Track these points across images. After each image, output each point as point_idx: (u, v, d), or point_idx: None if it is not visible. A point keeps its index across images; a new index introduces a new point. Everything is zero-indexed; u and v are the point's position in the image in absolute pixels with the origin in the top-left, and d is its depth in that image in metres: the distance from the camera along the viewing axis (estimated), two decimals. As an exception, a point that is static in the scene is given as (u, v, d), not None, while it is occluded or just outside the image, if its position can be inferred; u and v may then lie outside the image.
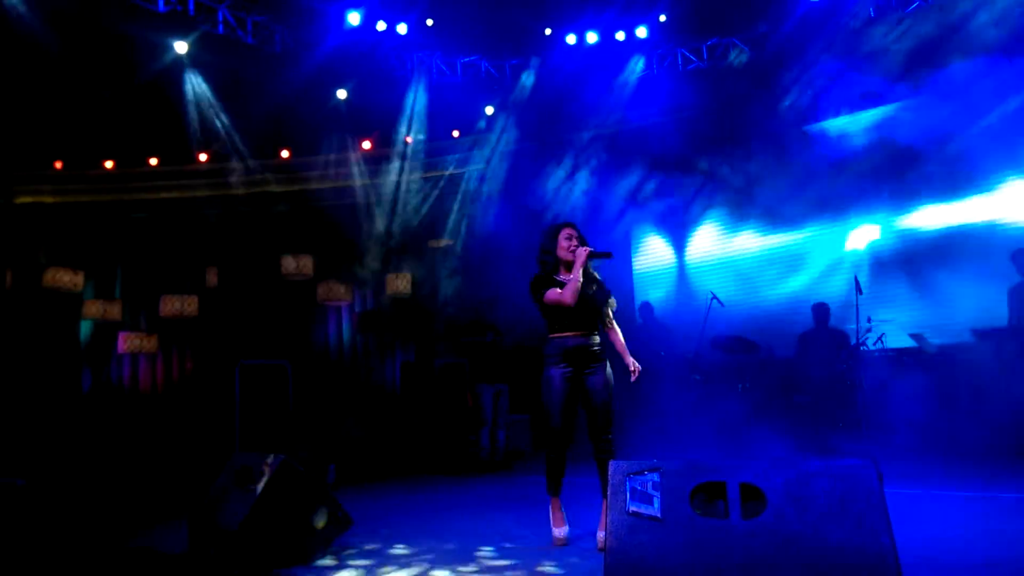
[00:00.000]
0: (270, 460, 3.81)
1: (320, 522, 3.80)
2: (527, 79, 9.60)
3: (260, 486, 3.69)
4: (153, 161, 9.48)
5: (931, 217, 7.80)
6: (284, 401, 7.14)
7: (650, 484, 2.91)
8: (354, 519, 4.10)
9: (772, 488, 2.67)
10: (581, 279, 3.91)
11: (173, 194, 9.56)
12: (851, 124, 8.19)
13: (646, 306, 8.88)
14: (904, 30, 7.72)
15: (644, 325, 8.78)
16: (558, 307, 3.93)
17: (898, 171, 7.74)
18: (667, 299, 9.49)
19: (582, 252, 3.94)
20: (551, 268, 4.08)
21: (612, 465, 2.96)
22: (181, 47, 8.18)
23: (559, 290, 3.93)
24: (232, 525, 3.65)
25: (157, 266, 9.62)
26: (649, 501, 2.87)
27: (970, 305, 6.86)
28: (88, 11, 7.39)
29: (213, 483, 4.19)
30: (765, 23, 8.59)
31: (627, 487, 2.91)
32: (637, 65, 9.49)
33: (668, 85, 9.37)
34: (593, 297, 4.01)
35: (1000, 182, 7.36)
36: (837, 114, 8.38)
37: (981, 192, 7.41)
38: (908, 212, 7.94)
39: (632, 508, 2.87)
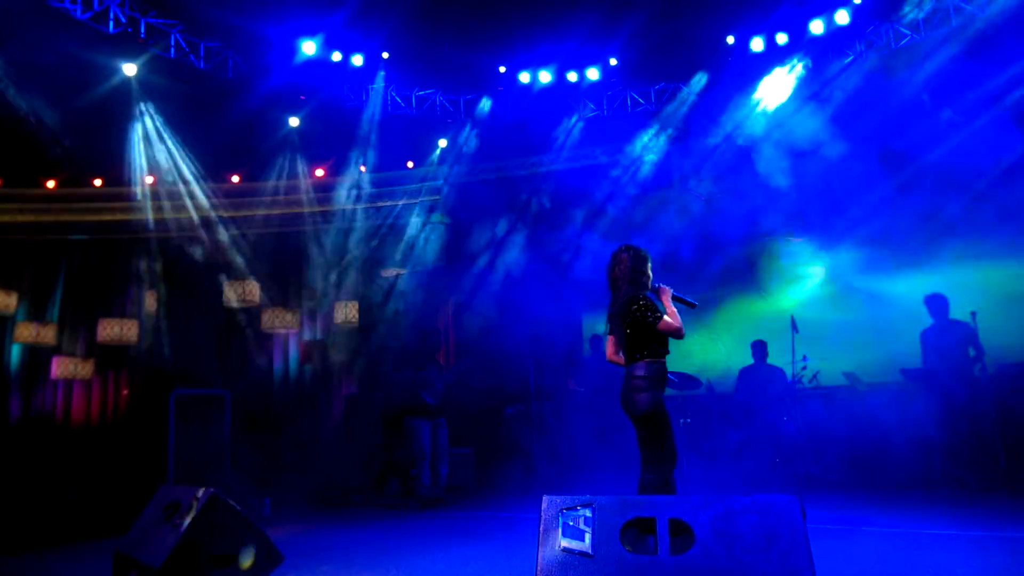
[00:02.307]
0: (199, 494, 3.70)
1: (248, 560, 3.70)
2: (480, 114, 9.75)
3: (187, 521, 3.58)
4: (97, 182, 9.25)
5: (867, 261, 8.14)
6: (221, 432, 6.95)
7: (582, 519, 2.93)
8: (292, 556, 4.01)
9: (700, 524, 2.71)
10: None
11: (116, 216, 9.30)
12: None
13: (595, 339, 8.98)
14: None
15: (593, 358, 8.86)
16: (666, 333, 3.95)
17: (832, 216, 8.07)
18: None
19: (668, 290, 4.07)
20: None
21: (546, 500, 2.97)
22: (130, 69, 8.07)
23: (670, 320, 3.94)
24: (156, 562, 3.52)
25: (96, 289, 9.31)
26: (581, 537, 2.89)
27: (900, 346, 7.15)
28: (35, 29, 7.25)
29: (139, 517, 4.06)
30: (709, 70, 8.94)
31: (560, 522, 2.93)
32: (588, 104, 9.76)
33: (618, 125, 9.63)
34: None
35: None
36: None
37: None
38: (846, 255, 8.26)
39: (564, 544, 2.88)
